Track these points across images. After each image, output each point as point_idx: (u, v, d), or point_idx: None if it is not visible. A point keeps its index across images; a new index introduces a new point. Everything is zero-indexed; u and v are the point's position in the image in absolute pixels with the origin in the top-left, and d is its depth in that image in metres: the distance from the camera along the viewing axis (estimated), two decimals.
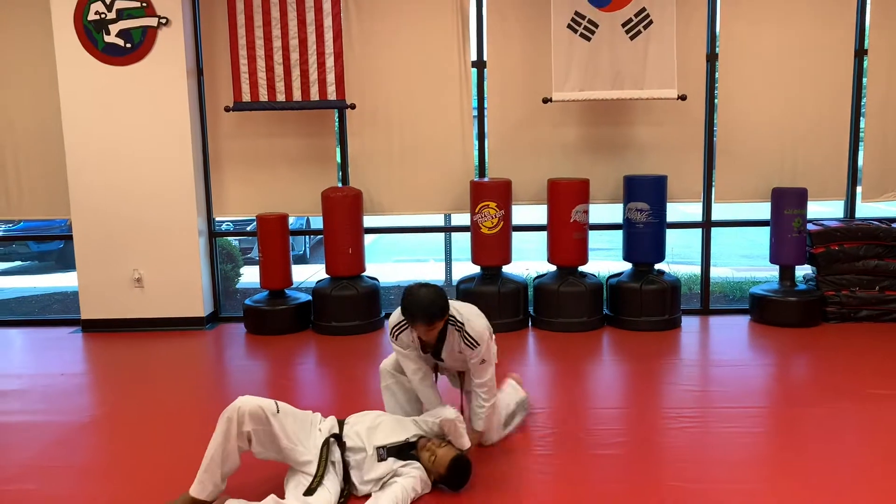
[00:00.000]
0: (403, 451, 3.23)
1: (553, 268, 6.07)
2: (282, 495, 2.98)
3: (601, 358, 5.37)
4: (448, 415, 3.32)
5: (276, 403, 3.05)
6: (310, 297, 6.05)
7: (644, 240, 5.85)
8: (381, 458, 3.15)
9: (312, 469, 3.00)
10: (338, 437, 3.17)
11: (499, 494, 3.20)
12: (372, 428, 3.23)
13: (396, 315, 3.43)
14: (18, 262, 10.19)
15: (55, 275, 9.32)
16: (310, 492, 2.89)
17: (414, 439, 3.26)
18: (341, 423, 3.28)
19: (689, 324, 6.00)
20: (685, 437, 3.80)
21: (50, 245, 9.92)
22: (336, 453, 3.13)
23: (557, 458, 3.58)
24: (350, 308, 5.82)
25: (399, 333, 3.44)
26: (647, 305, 5.79)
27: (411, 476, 3.12)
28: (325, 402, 4.54)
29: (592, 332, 5.80)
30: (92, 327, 6.15)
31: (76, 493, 3.32)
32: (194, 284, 6.13)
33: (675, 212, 6.13)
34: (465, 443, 3.39)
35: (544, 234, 6.06)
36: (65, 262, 9.61)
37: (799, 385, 4.71)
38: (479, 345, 3.43)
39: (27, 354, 5.76)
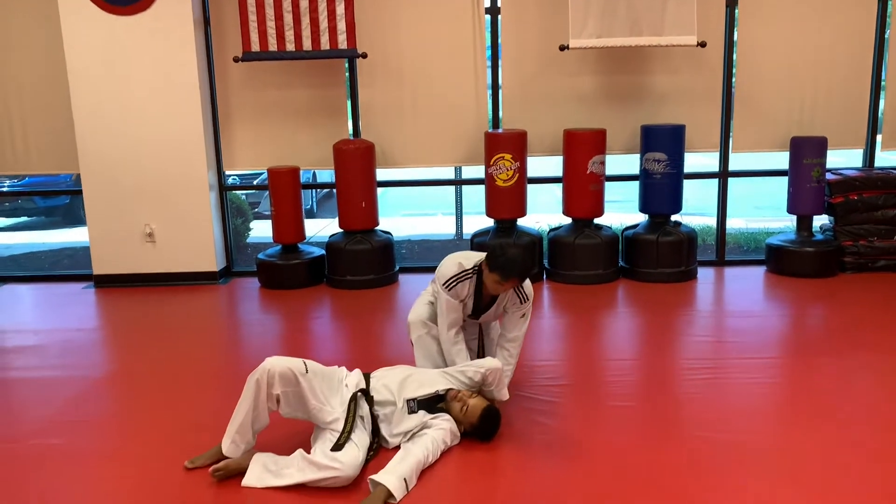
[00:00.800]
0: (433, 403, 3.22)
1: (568, 220, 6.01)
2: (309, 450, 2.98)
3: (616, 310, 5.36)
4: (494, 364, 3.32)
5: (304, 363, 3.02)
6: (323, 252, 6.01)
7: (661, 191, 5.77)
8: (411, 411, 3.15)
9: (340, 426, 2.99)
10: (365, 392, 3.16)
11: (523, 447, 3.20)
12: (401, 381, 3.22)
13: (454, 265, 3.42)
14: (25, 218, 10.14)
15: (63, 230, 9.27)
16: (338, 447, 2.88)
17: (443, 391, 3.26)
18: (367, 377, 3.27)
19: (705, 275, 5.97)
20: (701, 388, 3.78)
21: (56, 200, 9.85)
22: (364, 408, 3.12)
23: (573, 410, 3.57)
24: (364, 262, 5.79)
25: (456, 284, 3.40)
26: (664, 257, 5.74)
27: (441, 428, 3.12)
28: (343, 356, 4.52)
29: (608, 285, 5.77)
30: (105, 283, 6.12)
31: (98, 447, 3.32)
32: (206, 239, 6.08)
33: (688, 162, 6.03)
34: (505, 394, 3.39)
35: (558, 186, 5.99)
36: (72, 217, 9.57)
37: (815, 335, 4.69)
38: (528, 300, 3.47)
39: (41, 310, 5.74)
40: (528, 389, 3.76)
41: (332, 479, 2.81)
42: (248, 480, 2.90)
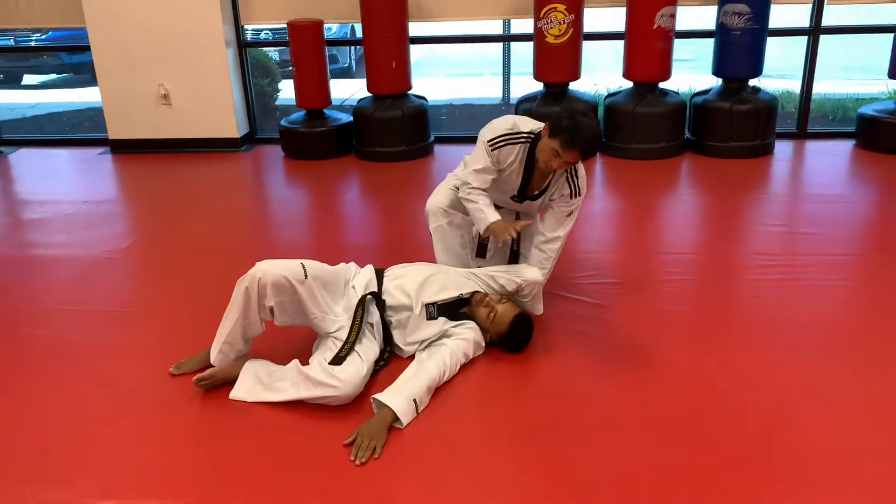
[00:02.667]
0: (455, 308, 2.75)
1: (628, 84, 5.25)
2: (308, 359, 2.57)
3: (678, 191, 4.70)
4: (534, 276, 2.81)
5: (303, 266, 2.54)
6: (351, 118, 5.42)
7: (740, 50, 4.92)
8: (430, 317, 2.68)
9: (344, 335, 2.56)
10: (376, 296, 2.70)
11: (558, 361, 2.73)
12: (420, 282, 2.73)
13: (508, 123, 2.82)
14: (53, 76, 9.69)
15: (90, 89, 8.80)
16: (337, 360, 2.45)
17: (468, 295, 2.78)
18: (381, 276, 2.78)
19: (783, 150, 5.22)
20: (767, 291, 3.20)
21: (83, 56, 9.30)
22: (374, 314, 2.67)
23: (620, 316, 3.06)
24: (395, 131, 5.19)
25: (504, 146, 2.81)
26: (737, 128, 5.00)
27: (463, 338, 2.66)
28: (370, 238, 4.05)
29: (671, 160, 5.08)
30: (120, 148, 5.71)
31: (91, 340, 2.97)
32: (225, 101, 5.54)
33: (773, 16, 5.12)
34: (540, 308, 2.90)
35: (619, 43, 5.19)
36: None
37: None
38: (580, 195, 2.90)
39: (52, 178, 5.35)
40: (567, 288, 3.25)
41: (329, 397, 2.39)
42: (236, 393, 2.52)
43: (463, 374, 2.63)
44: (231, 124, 5.61)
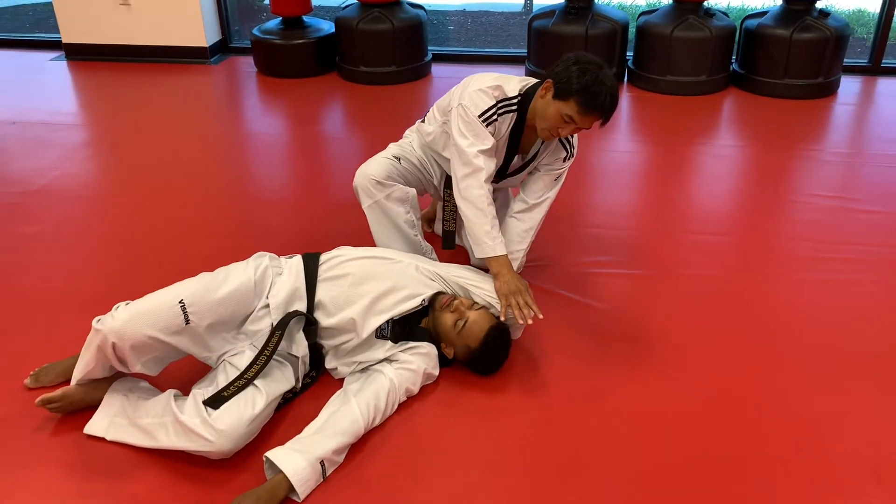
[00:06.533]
0: (414, 321, 2.08)
1: (667, 0, 4.34)
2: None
3: (716, 140, 3.85)
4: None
5: (182, 308, 1.81)
6: (333, 29, 4.59)
7: None
8: (380, 336, 2.01)
9: (243, 361, 1.88)
10: (303, 315, 1.99)
11: (540, 389, 2.06)
12: (370, 290, 2.01)
13: (491, 87, 2.11)
14: None
15: None
16: (217, 401, 1.80)
17: (429, 300, 2.09)
18: (312, 271, 2.05)
19: (850, 89, 4.33)
20: (808, 288, 2.50)
21: None
22: (300, 345, 1.98)
23: (639, 299, 2.41)
24: (383, 47, 4.36)
25: (498, 116, 2.12)
26: (796, 62, 4.10)
27: (409, 368, 1.99)
28: (345, 187, 3.33)
29: (712, 97, 4.23)
30: (75, 53, 4.97)
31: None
32: (192, 2, 4.73)
33: None
34: (518, 333, 2.18)
35: None
36: None
37: None
38: (574, 155, 2.33)
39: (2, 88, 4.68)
40: (564, 281, 2.53)
41: (203, 451, 1.76)
42: (92, 427, 1.89)
43: (414, 404, 1.99)
44: (198, 31, 4.82)
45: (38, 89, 4.55)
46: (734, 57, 4.37)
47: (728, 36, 4.20)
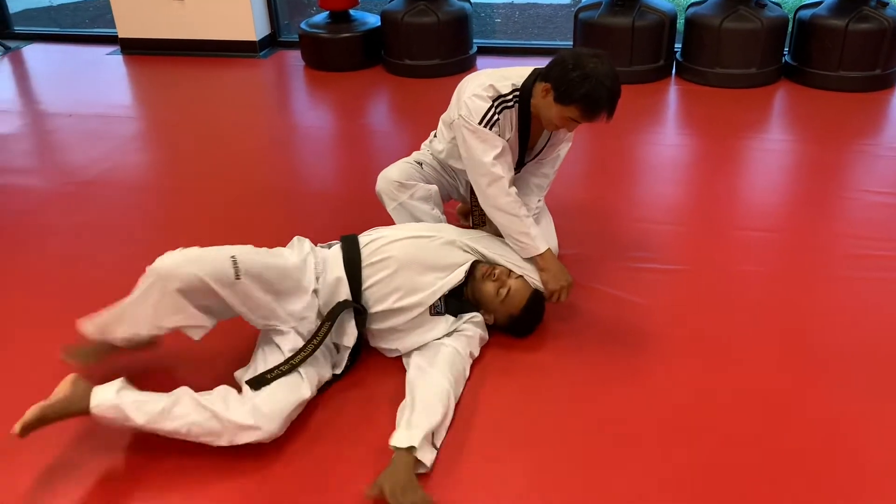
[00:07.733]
0: (458, 293, 2.13)
1: None
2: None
3: (766, 135, 3.75)
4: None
5: (234, 262, 1.83)
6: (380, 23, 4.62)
7: None
8: (435, 313, 2.06)
9: (288, 343, 1.90)
10: (352, 304, 2.01)
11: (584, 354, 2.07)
12: (416, 267, 2.05)
13: (484, 88, 2.12)
14: None
15: None
16: (258, 383, 1.82)
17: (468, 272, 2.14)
18: (354, 257, 2.06)
19: None
20: (858, 296, 2.40)
21: None
22: (349, 334, 2.02)
23: (680, 295, 2.39)
24: (428, 41, 4.38)
25: (498, 119, 2.13)
26: (852, 53, 3.98)
27: (467, 334, 2.07)
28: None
29: (763, 90, 4.13)
30: (131, 48, 5.11)
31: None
32: None
33: None
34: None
35: None
36: None
37: None
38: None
39: (48, 82, 4.81)
40: (606, 273, 2.51)
41: (255, 439, 1.78)
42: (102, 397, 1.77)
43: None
44: (248, 25, 4.90)
45: (95, 83, 4.70)
46: (786, 48, 4.26)
47: (780, 27, 4.10)
